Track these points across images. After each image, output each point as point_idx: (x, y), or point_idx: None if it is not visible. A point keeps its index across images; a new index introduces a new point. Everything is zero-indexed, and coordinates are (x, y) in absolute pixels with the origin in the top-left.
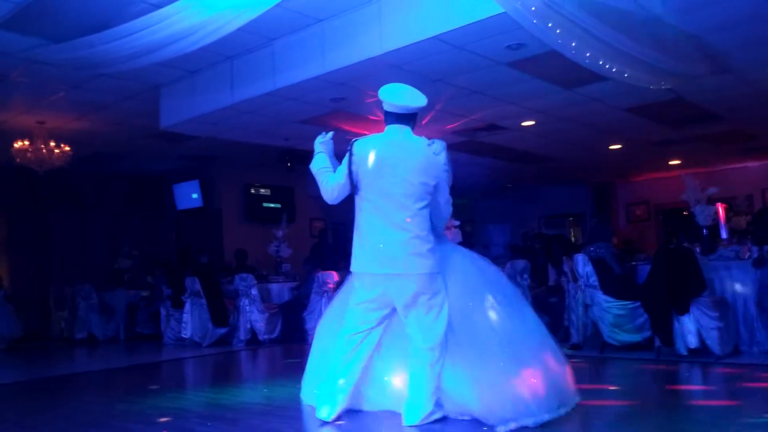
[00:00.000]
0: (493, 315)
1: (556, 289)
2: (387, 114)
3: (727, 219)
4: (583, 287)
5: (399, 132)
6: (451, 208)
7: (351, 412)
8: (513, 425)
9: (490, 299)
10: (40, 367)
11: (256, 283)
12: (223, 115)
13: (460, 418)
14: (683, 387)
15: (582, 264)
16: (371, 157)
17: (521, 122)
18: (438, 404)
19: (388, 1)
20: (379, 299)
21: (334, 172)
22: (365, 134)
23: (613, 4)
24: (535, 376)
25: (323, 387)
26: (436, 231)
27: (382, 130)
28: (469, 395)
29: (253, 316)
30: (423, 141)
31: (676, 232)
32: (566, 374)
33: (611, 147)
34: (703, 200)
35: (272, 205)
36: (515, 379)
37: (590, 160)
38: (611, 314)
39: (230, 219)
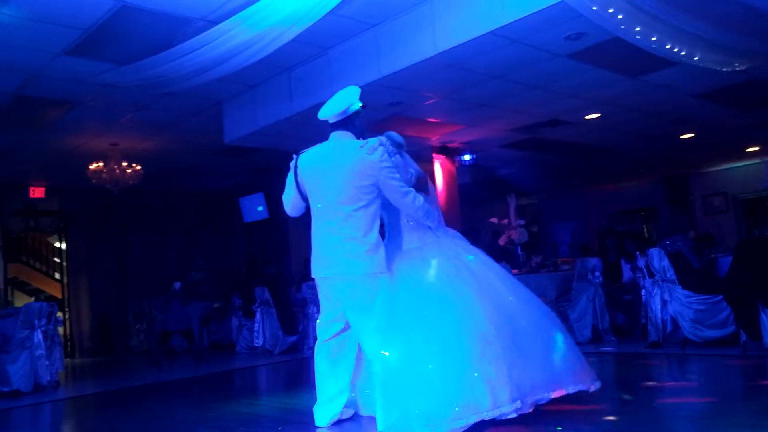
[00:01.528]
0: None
1: (630, 286)
2: (329, 125)
3: None
4: (660, 282)
5: (336, 138)
6: (418, 202)
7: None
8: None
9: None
10: (123, 378)
11: None
12: (284, 126)
13: None
14: None
15: (658, 258)
16: (310, 168)
17: (585, 115)
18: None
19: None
20: (333, 301)
21: None
22: (419, 137)
23: None
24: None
25: (319, 396)
26: (418, 222)
27: (442, 133)
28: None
29: None
30: (356, 143)
31: (758, 222)
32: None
33: (683, 136)
34: None
35: None
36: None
37: (661, 151)
38: (692, 309)
39: (296, 229)
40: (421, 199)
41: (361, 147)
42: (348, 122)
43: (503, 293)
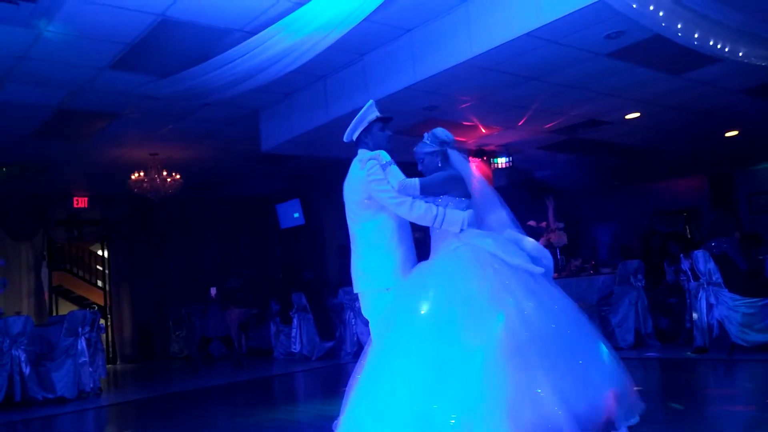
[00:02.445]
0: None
1: (674, 289)
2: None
3: None
4: (705, 285)
5: (356, 157)
6: (416, 211)
7: None
8: None
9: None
10: (163, 384)
11: None
12: (320, 133)
13: None
14: None
15: (703, 260)
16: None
17: (625, 115)
18: None
19: (475, 2)
20: None
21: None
22: (459, 141)
23: None
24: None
25: None
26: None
27: (478, 136)
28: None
29: (359, 329)
30: (358, 160)
31: None
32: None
33: (727, 134)
34: None
35: None
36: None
37: (704, 149)
38: (739, 313)
39: (332, 235)
40: (421, 206)
41: (359, 161)
42: (361, 140)
43: (470, 341)
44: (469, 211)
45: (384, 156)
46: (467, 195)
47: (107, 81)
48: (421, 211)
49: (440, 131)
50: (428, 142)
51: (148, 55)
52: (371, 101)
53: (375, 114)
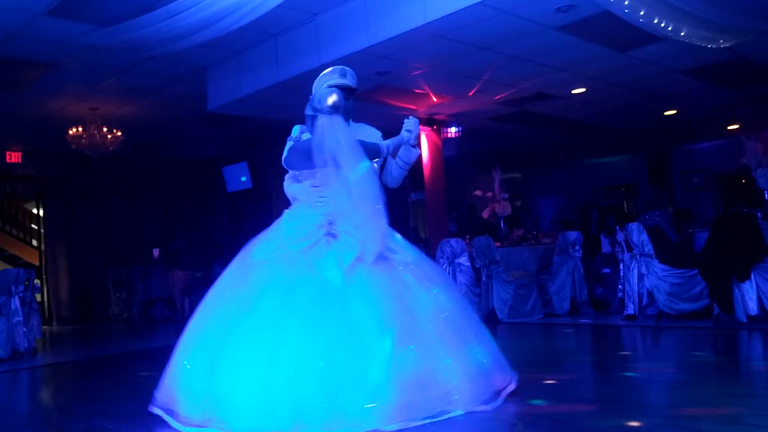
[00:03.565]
0: None
1: (609, 260)
2: None
3: None
4: (638, 256)
5: None
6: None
7: None
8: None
9: None
10: (103, 345)
11: None
12: (269, 94)
13: None
14: (743, 354)
15: (637, 232)
16: None
17: (572, 90)
18: None
19: None
20: None
21: None
22: (405, 107)
23: None
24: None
25: None
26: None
27: (429, 105)
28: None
29: None
30: None
31: (735, 198)
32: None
33: (666, 113)
34: (765, 163)
35: None
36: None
37: (644, 127)
38: (667, 283)
39: (280, 200)
40: (290, 186)
41: None
42: None
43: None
44: (300, 185)
45: (293, 131)
46: (312, 167)
47: (43, 28)
48: (288, 191)
49: (323, 94)
50: (309, 104)
51: (88, 2)
52: (332, 68)
53: (327, 83)
